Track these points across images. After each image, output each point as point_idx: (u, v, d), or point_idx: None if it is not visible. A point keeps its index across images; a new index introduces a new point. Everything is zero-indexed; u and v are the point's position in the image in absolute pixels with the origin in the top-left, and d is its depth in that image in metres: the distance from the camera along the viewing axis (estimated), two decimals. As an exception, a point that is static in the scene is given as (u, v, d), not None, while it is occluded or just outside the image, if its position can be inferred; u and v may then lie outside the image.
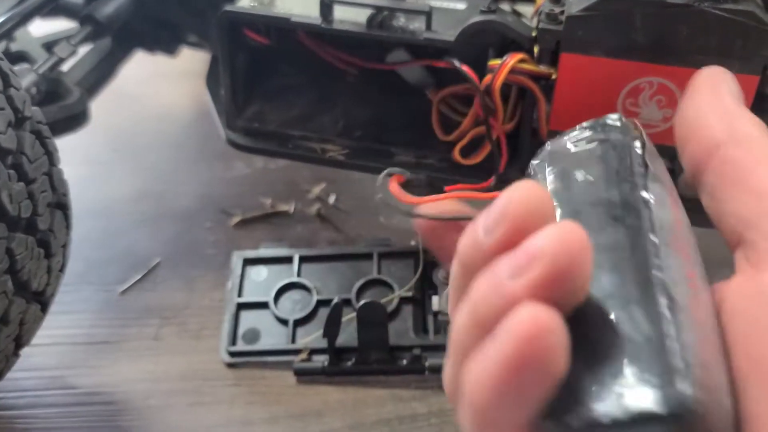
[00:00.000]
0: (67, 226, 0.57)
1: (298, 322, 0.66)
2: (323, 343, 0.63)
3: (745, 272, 0.25)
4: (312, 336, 0.65)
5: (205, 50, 0.85)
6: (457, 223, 0.32)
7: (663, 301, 0.22)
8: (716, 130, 0.28)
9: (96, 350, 0.67)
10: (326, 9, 0.62)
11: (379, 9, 0.62)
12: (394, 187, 0.49)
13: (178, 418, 0.61)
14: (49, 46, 0.75)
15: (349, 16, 0.63)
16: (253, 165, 0.90)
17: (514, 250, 0.22)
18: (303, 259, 0.71)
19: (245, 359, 0.65)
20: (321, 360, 0.63)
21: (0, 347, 0.52)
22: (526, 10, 0.66)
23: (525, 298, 0.21)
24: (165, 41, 0.84)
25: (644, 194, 0.26)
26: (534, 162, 0.33)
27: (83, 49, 0.76)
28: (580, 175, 0.28)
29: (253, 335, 0.66)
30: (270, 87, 0.74)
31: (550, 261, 0.21)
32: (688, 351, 0.21)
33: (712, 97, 0.29)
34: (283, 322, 0.66)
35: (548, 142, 0.32)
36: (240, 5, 0.64)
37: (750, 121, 0.28)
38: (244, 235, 0.79)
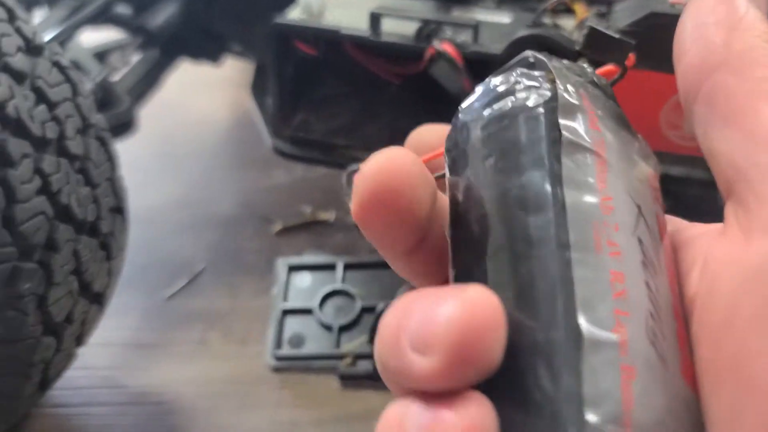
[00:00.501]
0: (125, 229, 0.59)
1: (343, 328, 0.68)
2: (368, 349, 0.65)
3: (733, 236, 0.20)
4: (357, 342, 0.66)
5: (248, 60, 0.87)
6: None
7: (567, 345, 0.19)
8: (713, 46, 0.22)
9: (144, 352, 0.69)
10: (375, 21, 0.64)
11: (426, 22, 0.64)
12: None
13: (226, 420, 0.63)
14: (100, 55, 0.77)
15: (397, 29, 0.65)
16: (292, 173, 0.91)
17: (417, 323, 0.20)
18: (347, 267, 0.73)
19: (291, 363, 0.66)
20: (366, 365, 0.64)
21: (64, 346, 0.54)
22: (567, 23, 0.67)
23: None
24: (210, 50, 0.86)
25: (547, 186, 0.20)
26: (450, 133, 0.25)
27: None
28: (483, 162, 0.22)
29: (298, 340, 0.68)
30: (315, 97, 0.76)
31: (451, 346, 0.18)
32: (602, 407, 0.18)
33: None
34: (328, 327, 0.68)
35: (462, 104, 0.24)
36: (290, 17, 0.66)
37: (758, 34, 0.21)
38: (286, 243, 0.81)
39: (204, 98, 1.08)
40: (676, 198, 0.66)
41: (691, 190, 0.67)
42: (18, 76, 0.48)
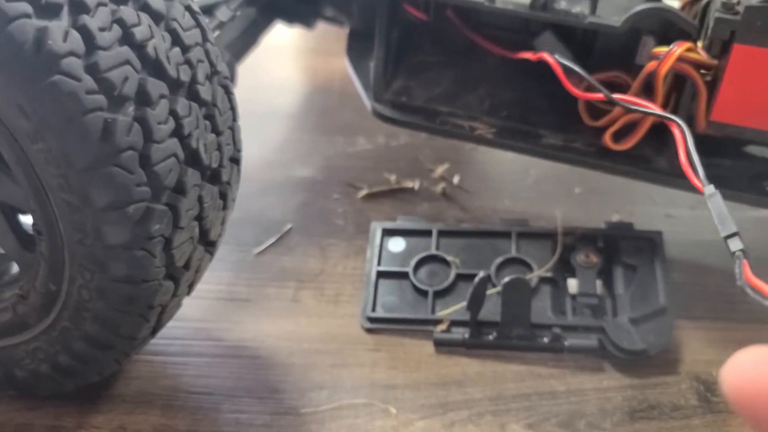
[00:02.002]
0: (239, 180, 0.59)
1: (438, 294, 0.68)
2: (463, 316, 0.65)
3: None
4: (453, 308, 0.66)
5: (340, 25, 0.87)
6: None
7: None
8: None
9: (238, 307, 0.69)
10: (492, -13, 0.63)
11: (544, -9, 0.63)
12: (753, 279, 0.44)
13: (322, 377, 0.63)
14: (204, 9, 0.77)
15: (512, -1, 0.64)
16: (375, 141, 0.91)
17: None
18: (441, 233, 0.73)
19: (384, 326, 0.66)
20: (461, 332, 0.64)
21: (179, 291, 0.54)
22: (672, 3, 0.66)
23: None
24: (304, 14, 0.85)
25: None
26: None
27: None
28: None
29: (392, 304, 0.68)
30: (413, 63, 0.75)
31: None
32: None
33: None
34: (423, 292, 0.68)
35: None
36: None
37: None
38: (371, 208, 0.81)
39: (278, 64, 1.08)
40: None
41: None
42: (156, 17, 0.48)
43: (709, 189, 0.51)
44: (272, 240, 0.76)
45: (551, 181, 0.85)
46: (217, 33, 0.73)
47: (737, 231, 0.46)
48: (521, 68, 0.73)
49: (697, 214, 0.80)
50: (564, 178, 0.85)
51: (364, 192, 0.82)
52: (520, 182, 0.85)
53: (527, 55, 0.67)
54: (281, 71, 1.06)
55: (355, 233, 0.77)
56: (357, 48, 0.79)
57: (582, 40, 0.69)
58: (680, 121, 0.57)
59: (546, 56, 0.64)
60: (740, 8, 0.56)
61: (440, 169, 0.86)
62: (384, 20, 0.68)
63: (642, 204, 0.81)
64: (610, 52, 0.68)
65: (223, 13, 0.71)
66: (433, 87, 0.73)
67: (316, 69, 1.08)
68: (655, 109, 0.60)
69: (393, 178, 0.85)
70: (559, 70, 0.63)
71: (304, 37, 1.11)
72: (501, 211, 0.80)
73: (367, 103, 0.73)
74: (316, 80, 1.05)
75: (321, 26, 0.97)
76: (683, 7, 0.67)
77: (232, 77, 0.75)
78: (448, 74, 0.74)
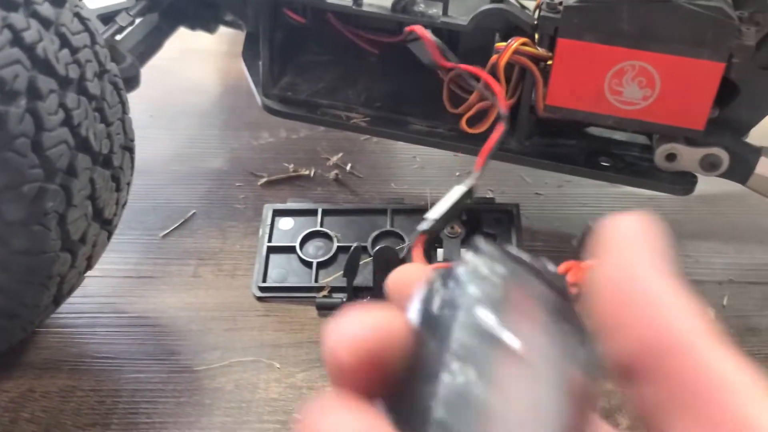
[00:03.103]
0: (132, 166, 0.66)
1: (321, 265, 0.76)
2: (342, 282, 0.73)
3: None
4: (333, 276, 0.74)
5: (239, 29, 0.95)
6: None
7: None
8: (659, 326, 0.20)
9: (142, 283, 0.77)
10: (357, -7, 0.72)
11: (403, -5, 0.72)
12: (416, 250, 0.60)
13: (215, 340, 0.71)
14: (104, 18, 0.84)
15: (376, 1, 0.73)
16: (277, 135, 0.99)
17: None
18: (325, 212, 0.81)
19: (274, 294, 0.74)
20: (340, 297, 0.73)
21: (77, 263, 0.61)
22: (530, 4, 0.76)
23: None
24: (205, 20, 0.93)
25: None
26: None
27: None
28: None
29: (280, 275, 0.76)
30: (300, 62, 0.84)
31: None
32: None
33: (647, 271, 0.21)
34: (308, 264, 0.76)
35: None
36: (281, -13, 0.74)
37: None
38: (270, 194, 0.89)
39: (192, 66, 1.15)
40: (619, 159, 0.75)
41: (632, 152, 0.76)
42: (45, 22, 0.56)
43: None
44: (177, 224, 0.84)
45: (434, 167, 0.94)
46: (118, 37, 0.81)
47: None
48: (397, 64, 0.82)
49: (563, 191, 0.90)
50: (446, 164, 0.94)
51: (263, 180, 0.90)
52: (407, 168, 0.94)
53: (400, 38, 0.75)
54: (195, 73, 1.14)
55: (253, 216, 0.85)
56: (251, 50, 0.87)
57: (448, 40, 0.78)
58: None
59: (417, 29, 0.71)
60: (561, 8, 0.66)
61: (334, 158, 0.94)
62: (266, 24, 0.76)
63: (515, 184, 0.91)
64: (472, 50, 0.77)
65: (123, 19, 0.78)
66: (317, 83, 0.81)
67: (228, 70, 1.15)
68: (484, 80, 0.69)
69: (291, 166, 0.93)
70: (428, 39, 0.71)
71: (219, 41, 1.19)
72: (386, 193, 0.89)
73: (258, 98, 0.81)
74: (227, 81, 1.13)
75: (234, 32, 1.04)
76: (536, 8, 0.76)
77: (134, 78, 0.82)
78: (331, 71, 0.83)
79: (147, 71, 0.88)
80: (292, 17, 0.78)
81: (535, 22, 0.69)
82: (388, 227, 0.79)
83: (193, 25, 0.94)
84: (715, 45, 0.63)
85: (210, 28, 0.94)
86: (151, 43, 0.87)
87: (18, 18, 0.53)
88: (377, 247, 0.72)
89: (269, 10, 0.76)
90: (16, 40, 0.53)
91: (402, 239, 0.78)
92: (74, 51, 0.58)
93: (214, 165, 0.94)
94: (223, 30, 1.00)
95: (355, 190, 0.89)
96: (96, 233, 0.62)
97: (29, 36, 0.54)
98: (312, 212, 0.81)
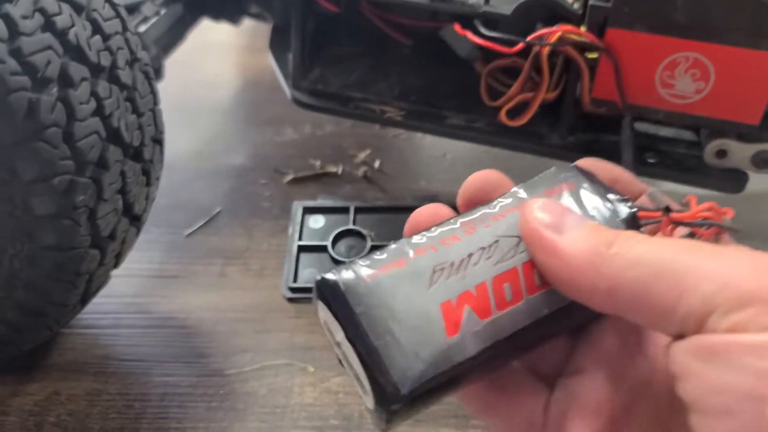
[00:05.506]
0: (162, 160, 0.63)
1: (354, 265, 0.73)
2: (377, 283, 0.70)
3: None
4: (367, 276, 0.71)
5: (264, 21, 0.92)
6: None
7: None
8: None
9: (167, 283, 0.74)
10: (395, -20, 0.69)
11: (442, -17, 0.69)
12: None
13: (244, 342, 0.68)
14: (128, 8, 0.81)
15: (414, -11, 0.70)
16: (301, 131, 0.96)
17: None
18: (357, 210, 0.78)
19: (305, 295, 0.71)
20: (375, 298, 0.70)
21: (106, 260, 0.58)
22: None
23: None
24: (230, 11, 0.90)
25: None
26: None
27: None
28: None
29: (311, 275, 0.73)
30: (330, 54, 0.81)
31: None
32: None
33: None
34: (340, 264, 0.73)
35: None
36: (314, -25, 0.71)
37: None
38: (297, 192, 0.86)
39: (211, 61, 1.12)
40: (666, 155, 0.72)
41: (679, 149, 0.73)
42: (77, 7, 0.53)
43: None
44: (201, 222, 0.81)
45: (465, 163, 0.91)
46: (143, 28, 0.78)
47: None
48: (430, 57, 0.79)
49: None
50: (478, 161, 0.91)
51: (289, 177, 0.87)
52: (437, 165, 0.91)
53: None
54: (215, 68, 1.11)
55: (279, 214, 0.82)
56: (279, 42, 0.84)
57: (488, 25, 0.75)
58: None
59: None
60: (611, -3, 0.63)
61: (362, 155, 0.91)
62: (298, 13, 0.74)
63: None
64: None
65: (148, 9, 0.76)
66: (348, 75, 0.78)
67: (248, 65, 1.13)
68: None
69: (317, 163, 0.90)
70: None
71: (237, 35, 1.16)
72: (417, 190, 0.86)
73: (287, 91, 0.78)
74: (247, 76, 1.10)
75: (254, 25, 1.02)
76: (573, 2, 0.73)
77: (159, 70, 0.79)
78: (363, 63, 0.80)
79: (166, 65, 0.85)
80: (325, 6, 0.75)
81: (581, 12, 0.66)
82: (423, 225, 0.76)
83: (217, 17, 0.91)
84: (773, 35, 0.60)
85: (234, 19, 0.92)
86: (175, 35, 0.85)
87: (49, 2, 0.51)
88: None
89: (302, -1, 0.73)
90: (48, 24, 0.50)
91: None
92: (106, 38, 0.55)
93: (238, 162, 0.91)
94: (242, 24, 0.97)
95: (385, 188, 0.87)
96: (125, 229, 0.59)
97: (61, 21, 0.51)
98: (344, 210, 0.78)
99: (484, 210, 0.31)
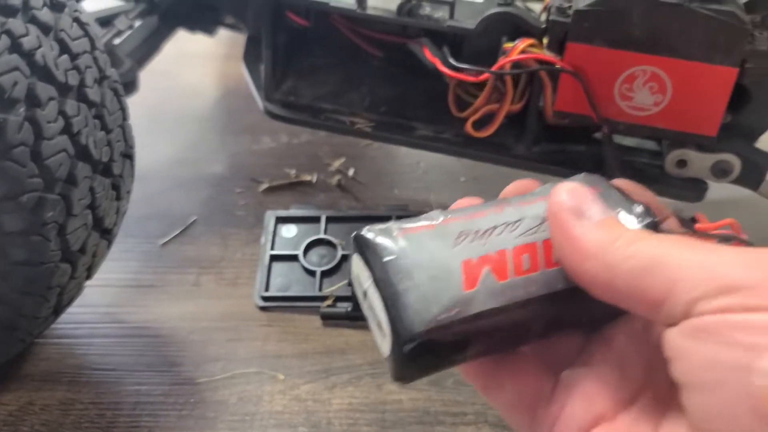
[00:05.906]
0: (132, 174, 0.65)
1: (325, 273, 0.75)
2: (347, 292, 0.72)
3: None
4: (337, 285, 0.73)
5: (240, 32, 0.93)
6: None
7: None
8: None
9: (142, 292, 0.75)
10: (362, -5, 0.70)
11: (408, -2, 0.71)
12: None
13: (218, 351, 0.69)
14: (102, 21, 0.82)
15: (381, 4, 0.71)
16: (278, 139, 0.98)
17: None
18: (329, 219, 0.80)
19: (277, 304, 0.73)
20: (345, 306, 0.71)
21: (77, 274, 0.60)
22: (536, 7, 0.74)
23: None
24: (205, 22, 0.92)
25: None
26: None
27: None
28: None
29: (283, 284, 0.74)
30: (303, 66, 0.82)
31: None
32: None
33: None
34: (311, 273, 0.75)
35: None
36: (283, -11, 0.72)
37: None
38: (272, 200, 0.87)
39: (190, 70, 1.14)
40: (629, 165, 0.74)
41: (641, 158, 0.75)
42: (44, 28, 0.54)
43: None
44: (177, 231, 0.82)
45: (438, 172, 0.92)
46: (117, 41, 0.79)
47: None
48: (401, 67, 0.81)
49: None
50: (450, 169, 0.93)
51: (264, 185, 0.89)
52: (410, 173, 0.93)
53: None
54: (193, 77, 1.12)
55: (255, 223, 0.83)
56: (253, 53, 0.85)
57: (452, 44, 0.77)
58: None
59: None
60: (571, 12, 0.64)
61: (337, 163, 0.93)
62: (269, 26, 0.75)
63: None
64: (477, 54, 0.76)
65: (121, 23, 0.77)
66: (320, 87, 0.80)
67: (227, 74, 1.14)
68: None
69: (293, 172, 0.91)
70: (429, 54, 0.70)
71: (216, 44, 1.17)
72: (390, 199, 0.87)
73: (260, 102, 0.79)
74: (226, 85, 1.11)
75: (232, 34, 1.03)
76: (543, 10, 0.75)
77: (133, 82, 0.81)
78: (335, 75, 0.81)
79: (144, 75, 0.87)
80: (295, 20, 0.76)
81: (544, 26, 0.68)
82: (393, 234, 0.77)
83: (192, 28, 0.92)
84: (727, 50, 0.62)
85: (210, 30, 0.93)
86: (149, 47, 0.86)
87: (16, 23, 0.52)
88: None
89: (272, 13, 0.74)
90: (15, 46, 0.51)
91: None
92: (74, 57, 0.56)
93: (214, 170, 0.93)
94: (221, 33, 0.99)
95: (359, 197, 0.88)
96: (96, 243, 0.61)
97: (28, 42, 0.52)
98: (315, 219, 0.80)
99: (516, 198, 0.35)
